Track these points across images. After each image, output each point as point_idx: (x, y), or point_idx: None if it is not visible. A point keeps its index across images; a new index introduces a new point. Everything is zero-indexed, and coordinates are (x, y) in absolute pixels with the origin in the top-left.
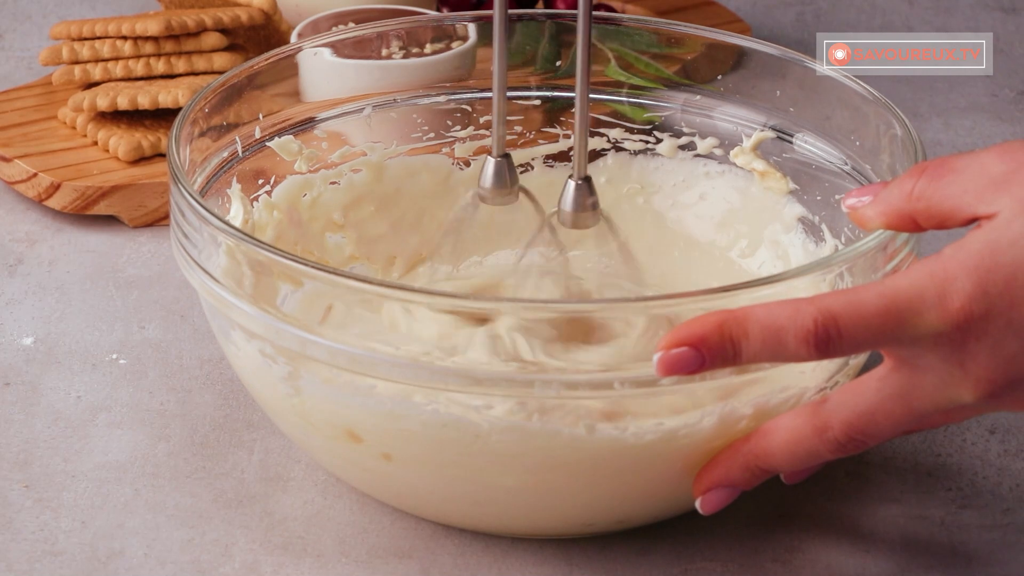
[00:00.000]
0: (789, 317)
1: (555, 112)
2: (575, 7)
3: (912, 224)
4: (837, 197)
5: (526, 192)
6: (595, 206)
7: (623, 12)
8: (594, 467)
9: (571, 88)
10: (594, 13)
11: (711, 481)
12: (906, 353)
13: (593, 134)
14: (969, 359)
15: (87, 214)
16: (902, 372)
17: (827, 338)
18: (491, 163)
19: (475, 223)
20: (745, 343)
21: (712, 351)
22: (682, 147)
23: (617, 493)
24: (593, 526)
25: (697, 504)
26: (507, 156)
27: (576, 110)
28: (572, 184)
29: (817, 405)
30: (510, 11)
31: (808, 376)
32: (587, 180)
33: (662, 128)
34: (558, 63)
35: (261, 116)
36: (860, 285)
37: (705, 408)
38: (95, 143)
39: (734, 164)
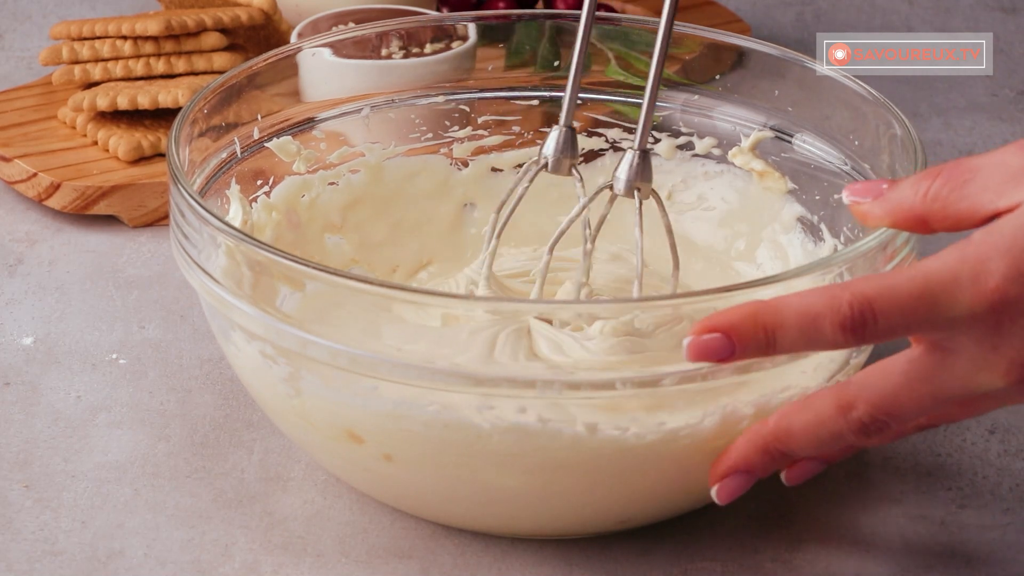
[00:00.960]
0: (825, 304)
1: (554, 112)
2: (575, 7)
3: (922, 225)
4: (836, 197)
5: (577, 172)
6: (649, 178)
7: (623, 12)
8: (595, 468)
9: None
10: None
11: (728, 466)
12: (938, 336)
13: (592, 134)
14: (1003, 341)
15: (87, 214)
16: (933, 355)
17: (863, 323)
18: (558, 131)
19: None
20: (781, 332)
21: (744, 340)
22: (680, 147)
23: (618, 493)
24: (594, 526)
25: (713, 493)
26: (572, 128)
27: (649, 83)
28: (632, 154)
29: (841, 386)
30: (510, 11)
31: (809, 376)
32: (645, 153)
33: (661, 128)
34: (557, 63)
35: (260, 116)
36: (893, 270)
37: (707, 408)
38: (95, 143)
39: (733, 164)
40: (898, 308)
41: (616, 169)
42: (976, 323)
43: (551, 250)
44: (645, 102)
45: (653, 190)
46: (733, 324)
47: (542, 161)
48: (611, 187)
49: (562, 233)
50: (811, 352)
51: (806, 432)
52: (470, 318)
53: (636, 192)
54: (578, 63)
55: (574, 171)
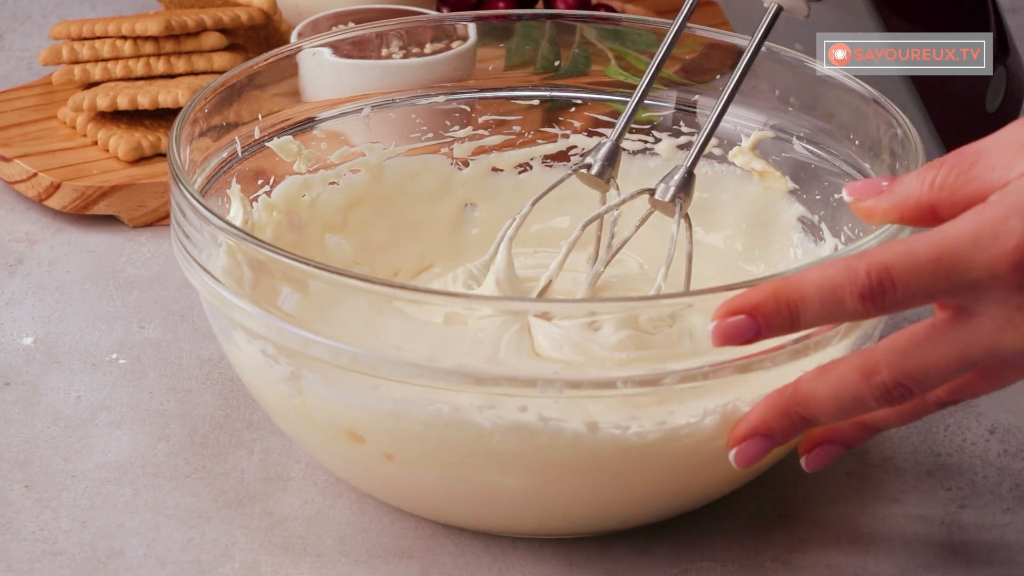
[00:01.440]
0: (843, 274)
1: (554, 112)
2: (575, 7)
3: (931, 216)
4: (836, 196)
5: (616, 185)
6: (691, 195)
7: (623, 12)
8: (596, 467)
9: (570, 88)
10: (594, 13)
11: (747, 429)
12: (961, 300)
13: (591, 134)
14: None
15: (87, 214)
16: (958, 318)
17: (882, 290)
18: (608, 145)
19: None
20: (803, 306)
21: (768, 318)
22: (681, 147)
23: (619, 492)
24: (595, 525)
25: (731, 456)
26: (618, 146)
27: (716, 109)
28: (682, 169)
29: (866, 351)
30: (510, 11)
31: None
32: (692, 175)
33: (661, 128)
34: (557, 63)
35: (260, 116)
36: (911, 236)
37: (707, 407)
38: (95, 143)
39: (733, 164)
40: (916, 273)
41: (662, 179)
42: (998, 283)
43: (577, 236)
44: (706, 131)
45: (687, 215)
46: (756, 304)
47: (585, 163)
48: (651, 192)
49: (591, 221)
50: (835, 325)
51: (828, 396)
52: (473, 316)
53: (678, 201)
54: (646, 88)
55: (612, 182)
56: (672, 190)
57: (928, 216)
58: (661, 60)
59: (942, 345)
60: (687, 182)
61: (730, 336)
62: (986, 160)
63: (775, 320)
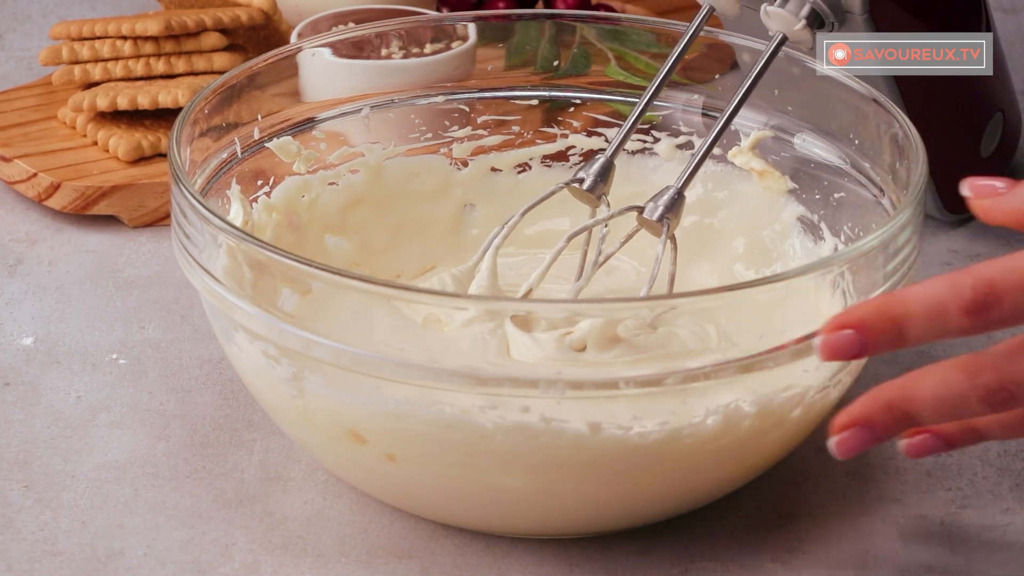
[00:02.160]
0: (948, 290)
1: (554, 112)
2: (575, 7)
3: None
4: (837, 196)
5: (607, 201)
6: (679, 216)
7: (623, 12)
8: (598, 467)
9: (570, 88)
10: (594, 13)
11: (850, 418)
12: None
13: (591, 134)
14: None
15: (87, 214)
16: None
17: (987, 305)
18: (602, 161)
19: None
20: (909, 322)
21: (874, 334)
22: (680, 147)
23: (621, 493)
24: (596, 525)
25: (831, 444)
26: (612, 162)
27: (716, 128)
28: (672, 190)
29: (974, 354)
30: (510, 11)
31: (811, 375)
32: (682, 195)
33: (660, 128)
34: (556, 63)
35: (260, 117)
36: (1016, 252)
37: (709, 407)
38: (95, 143)
39: (732, 164)
40: (1022, 288)
41: (651, 198)
42: None
43: (557, 253)
44: (700, 153)
45: (673, 236)
46: (862, 319)
47: (578, 177)
48: (640, 210)
49: (576, 234)
50: (940, 340)
51: (932, 393)
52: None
53: (665, 222)
54: (644, 106)
55: (603, 199)
56: (660, 210)
57: None
58: (663, 79)
59: None
60: (676, 202)
61: (836, 350)
62: None
63: (881, 336)
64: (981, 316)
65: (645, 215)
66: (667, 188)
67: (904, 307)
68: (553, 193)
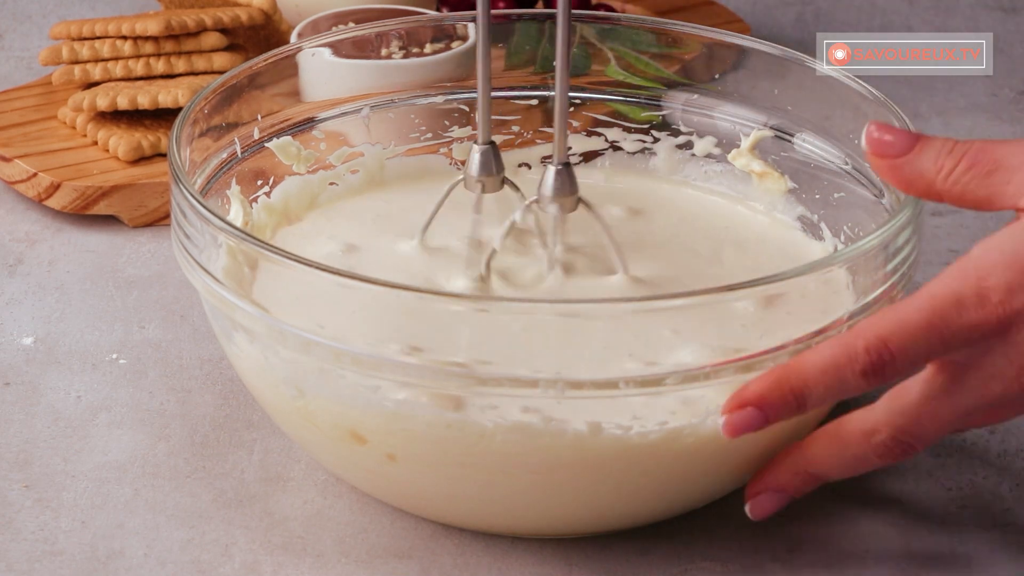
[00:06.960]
0: (842, 354)
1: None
2: (575, 7)
3: (935, 198)
4: (836, 196)
5: (511, 183)
6: (574, 191)
7: (623, 12)
8: (598, 467)
9: (570, 88)
10: (594, 13)
11: (761, 484)
12: (956, 356)
13: (591, 134)
14: (1012, 350)
15: (87, 214)
16: (946, 372)
17: (882, 364)
18: (477, 151)
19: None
20: (807, 391)
21: (775, 407)
22: (680, 147)
23: (621, 492)
24: (596, 525)
25: (747, 508)
26: (492, 144)
27: (556, 97)
28: (552, 169)
29: (865, 411)
30: (510, 11)
31: None
32: (567, 166)
33: (660, 128)
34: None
35: (260, 116)
36: (900, 302)
37: (709, 407)
38: (95, 143)
39: (732, 164)
40: (912, 341)
41: (539, 186)
42: (986, 336)
43: (489, 263)
44: (557, 115)
45: (581, 198)
46: (762, 395)
47: (475, 184)
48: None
49: (497, 250)
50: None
51: (832, 457)
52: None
53: (558, 207)
54: (484, 79)
55: (506, 184)
56: (548, 200)
57: (933, 197)
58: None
59: (935, 401)
60: (560, 181)
61: (740, 427)
62: (1003, 173)
63: (783, 408)
64: (878, 375)
65: (542, 208)
66: (547, 168)
67: (801, 378)
68: (448, 194)
